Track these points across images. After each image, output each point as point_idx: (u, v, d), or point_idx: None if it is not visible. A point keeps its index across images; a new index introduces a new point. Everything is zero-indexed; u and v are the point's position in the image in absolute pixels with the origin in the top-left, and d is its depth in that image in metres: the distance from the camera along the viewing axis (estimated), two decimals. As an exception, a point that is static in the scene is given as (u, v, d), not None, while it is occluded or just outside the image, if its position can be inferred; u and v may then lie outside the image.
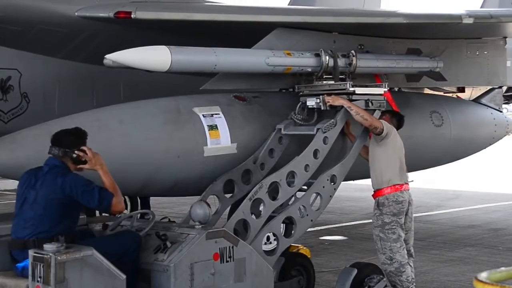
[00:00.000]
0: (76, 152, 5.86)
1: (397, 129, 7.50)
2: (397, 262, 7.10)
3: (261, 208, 6.81)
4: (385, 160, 7.28)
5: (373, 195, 7.37)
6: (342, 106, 7.29)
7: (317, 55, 7.55)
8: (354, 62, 7.75)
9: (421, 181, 15.43)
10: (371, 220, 7.71)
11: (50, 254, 5.26)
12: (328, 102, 7.24)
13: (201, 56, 6.85)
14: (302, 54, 7.50)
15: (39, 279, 5.30)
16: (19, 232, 5.81)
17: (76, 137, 5.95)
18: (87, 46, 8.40)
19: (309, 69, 7.57)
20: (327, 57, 7.57)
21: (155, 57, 6.53)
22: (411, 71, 8.64)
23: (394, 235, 7.15)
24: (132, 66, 6.53)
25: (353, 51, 7.79)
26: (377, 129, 7.19)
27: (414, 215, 7.45)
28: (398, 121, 7.61)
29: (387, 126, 7.25)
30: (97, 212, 8.79)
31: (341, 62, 7.68)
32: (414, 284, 7.16)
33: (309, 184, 7.14)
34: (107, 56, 6.50)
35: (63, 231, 5.71)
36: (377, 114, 7.51)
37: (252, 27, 7.74)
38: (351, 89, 7.33)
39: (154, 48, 6.54)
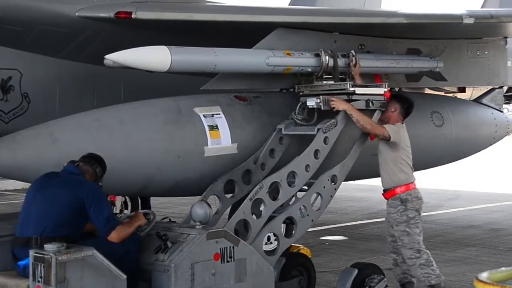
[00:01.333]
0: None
1: (406, 117, 7.57)
2: (426, 254, 7.31)
3: (261, 208, 6.81)
4: (399, 159, 7.42)
5: (388, 194, 7.44)
6: (343, 106, 7.31)
7: (317, 55, 7.55)
8: (354, 62, 7.75)
9: (422, 181, 15.47)
10: (371, 220, 7.73)
11: (51, 254, 5.27)
12: (332, 104, 7.25)
13: (201, 56, 6.85)
14: (302, 54, 7.50)
15: (40, 279, 5.31)
16: (23, 230, 5.83)
17: (102, 168, 6.11)
18: (88, 46, 8.40)
19: (309, 69, 7.57)
20: (327, 57, 7.56)
21: (155, 57, 6.53)
22: (411, 71, 8.64)
23: (418, 229, 7.36)
24: (132, 66, 6.54)
25: (353, 51, 7.79)
26: (380, 136, 7.25)
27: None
28: (406, 109, 7.62)
29: (391, 130, 7.32)
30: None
31: (341, 62, 7.67)
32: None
33: (309, 184, 7.14)
34: (107, 56, 6.50)
35: (68, 234, 5.72)
36: (378, 114, 7.51)
37: (252, 27, 7.73)
38: (351, 89, 7.33)
39: (154, 48, 6.53)
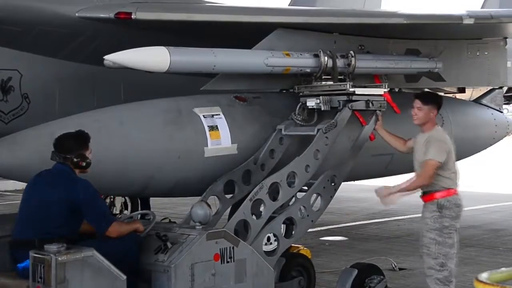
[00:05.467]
0: (75, 158, 5.89)
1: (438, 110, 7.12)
2: (447, 271, 6.71)
3: (261, 208, 6.81)
4: (446, 165, 6.84)
5: (426, 197, 6.85)
6: (344, 107, 7.30)
7: (316, 56, 7.54)
8: (353, 62, 7.73)
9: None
10: (371, 221, 7.71)
11: (51, 255, 5.28)
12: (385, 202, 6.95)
13: (200, 57, 6.84)
14: (301, 54, 7.49)
15: (39, 279, 5.32)
16: (21, 233, 5.82)
17: (76, 140, 5.96)
18: (88, 47, 8.39)
19: (308, 70, 7.56)
20: (326, 58, 7.56)
21: (154, 57, 6.51)
22: (410, 72, 8.62)
23: (451, 240, 6.75)
24: (131, 67, 6.53)
25: (352, 52, 7.78)
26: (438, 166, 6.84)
27: (413, 215, 7.38)
28: (440, 107, 7.13)
29: (439, 153, 6.78)
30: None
31: (340, 62, 7.66)
32: None
33: (309, 185, 7.14)
34: (106, 57, 6.50)
35: (64, 234, 5.71)
36: (374, 116, 7.50)
37: (252, 27, 7.74)
38: (351, 89, 7.33)
39: (153, 49, 6.53)
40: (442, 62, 8.63)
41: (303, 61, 7.48)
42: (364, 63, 7.88)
